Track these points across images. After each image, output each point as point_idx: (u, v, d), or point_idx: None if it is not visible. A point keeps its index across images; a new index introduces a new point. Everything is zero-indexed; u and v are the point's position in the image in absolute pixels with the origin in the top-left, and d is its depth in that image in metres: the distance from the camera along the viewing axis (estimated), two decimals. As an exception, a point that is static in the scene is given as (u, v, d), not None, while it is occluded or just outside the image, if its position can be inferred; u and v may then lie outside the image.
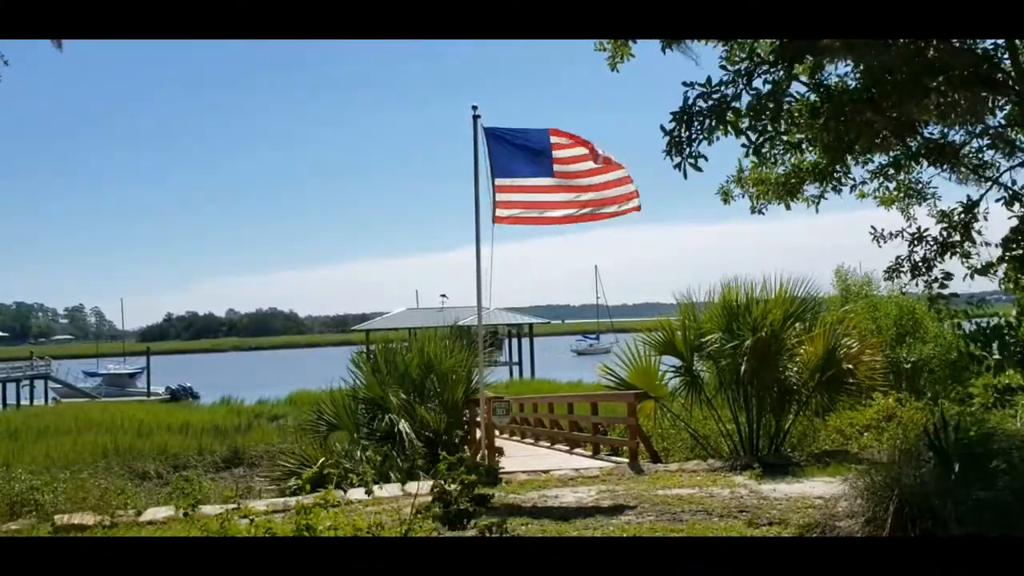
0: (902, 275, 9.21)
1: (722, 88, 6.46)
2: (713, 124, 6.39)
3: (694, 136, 6.47)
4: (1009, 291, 7.42)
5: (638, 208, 10.76)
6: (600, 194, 10.70)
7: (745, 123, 6.49)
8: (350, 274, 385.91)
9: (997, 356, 7.02)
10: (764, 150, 6.71)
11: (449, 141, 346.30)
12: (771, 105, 6.52)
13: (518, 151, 10.69)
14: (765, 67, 6.61)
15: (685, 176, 6.56)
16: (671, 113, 6.51)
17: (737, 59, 6.82)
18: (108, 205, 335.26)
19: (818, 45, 6.71)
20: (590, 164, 10.67)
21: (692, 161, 6.53)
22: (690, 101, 6.47)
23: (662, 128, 6.52)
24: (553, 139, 10.64)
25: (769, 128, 6.56)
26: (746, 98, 6.55)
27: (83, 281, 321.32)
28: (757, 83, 6.60)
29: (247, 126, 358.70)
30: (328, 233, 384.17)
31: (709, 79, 6.48)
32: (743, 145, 6.53)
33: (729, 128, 6.45)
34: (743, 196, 9.79)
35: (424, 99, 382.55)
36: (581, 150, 10.70)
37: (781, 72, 6.56)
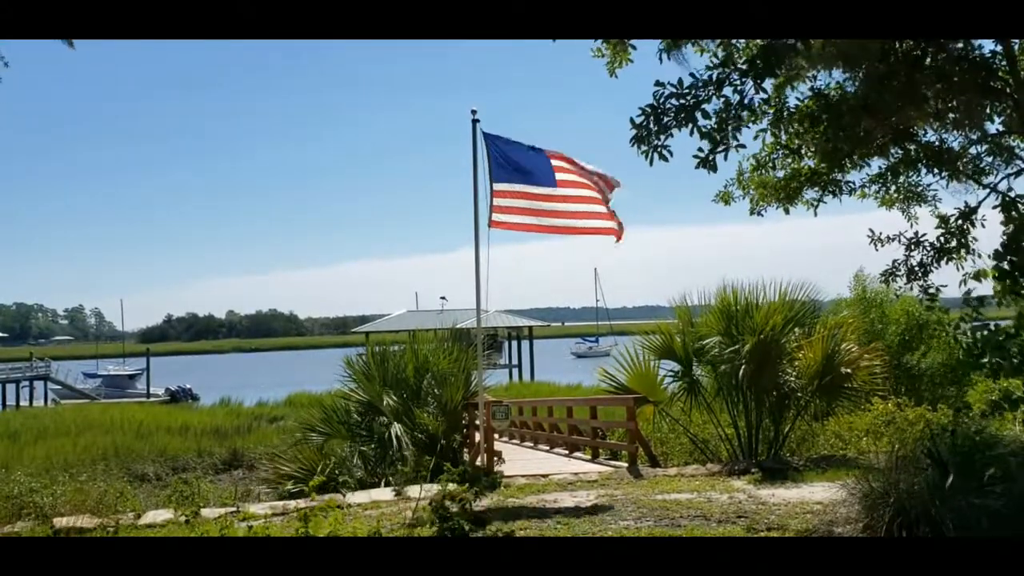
0: (898, 278, 9.28)
1: (693, 91, 6.66)
2: (681, 121, 6.62)
3: (661, 131, 6.72)
4: (1005, 302, 7.40)
5: (622, 229, 10.96)
6: (592, 207, 10.83)
7: (708, 126, 6.67)
8: (350, 275, 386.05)
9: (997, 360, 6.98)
10: (717, 161, 6.87)
11: (449, 141, 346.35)
12: (743, 114, 6.72)
13: (517, 159, 10.76)
14: (736, 76, 6.73)
15: (651, 163, 6.82)
16: (639, 108, 6.74)
17: (710, 65, 6.95)
18: (108, 206, 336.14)
19: (806, 54, 6.81)
20: (583, 180, 10.85)
21: (659, 151, 6.77)
22: (661, 99, 6.69)
23: (631, 121, 6.76)
24: (553, 162, 10.81)
25: (730, 139, 6.72)
26: (716, 104, 6.77)
27: (83, 282, 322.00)
28: (727, 91, 6.76)
29: (247, 126, 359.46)
30: (328, 234, 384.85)
31: (680, 81, 6.73)
32: (695, 156, 6.72)
33: (695, 130, 6.65)
34: (743, 198, 9.87)
35: (424, 98, 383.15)
36: (576, 177, 10.86)
37: (750, 83, 6.67)
